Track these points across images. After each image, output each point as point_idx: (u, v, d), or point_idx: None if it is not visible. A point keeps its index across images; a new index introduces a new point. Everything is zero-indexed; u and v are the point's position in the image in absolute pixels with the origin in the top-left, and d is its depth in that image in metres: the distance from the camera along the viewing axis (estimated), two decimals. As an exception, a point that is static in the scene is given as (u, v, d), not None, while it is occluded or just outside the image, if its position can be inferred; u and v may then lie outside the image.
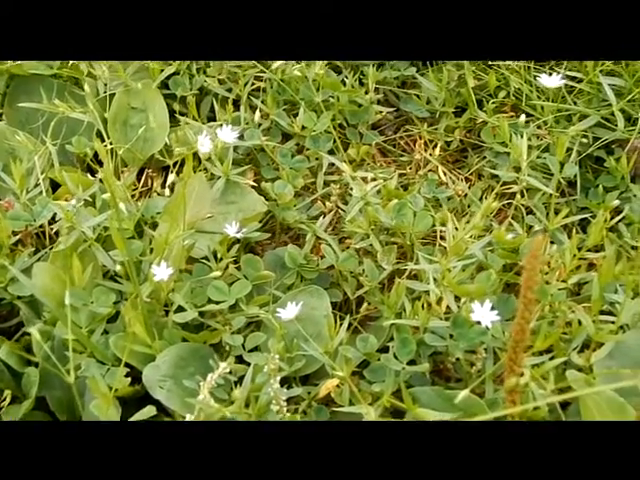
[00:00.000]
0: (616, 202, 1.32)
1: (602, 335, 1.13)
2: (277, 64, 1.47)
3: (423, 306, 1.19)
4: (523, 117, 1.42)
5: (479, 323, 1.04)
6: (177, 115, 1.50)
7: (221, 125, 1.33)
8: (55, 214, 1.30)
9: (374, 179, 1.34)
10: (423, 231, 1.30)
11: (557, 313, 1.18)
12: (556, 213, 1.40)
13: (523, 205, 1.38)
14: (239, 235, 1.25)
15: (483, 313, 1.03)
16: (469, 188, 1.44)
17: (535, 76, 1.35)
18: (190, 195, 1.25)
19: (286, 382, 1.18)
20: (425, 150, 1.50)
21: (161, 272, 1.15)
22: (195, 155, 1.32)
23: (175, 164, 1.41)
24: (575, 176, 1.41)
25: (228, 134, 1.28)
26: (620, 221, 1.33)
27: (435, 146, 1.50)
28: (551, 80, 1.22)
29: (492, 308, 1.05)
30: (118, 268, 1.25)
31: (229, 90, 1.54)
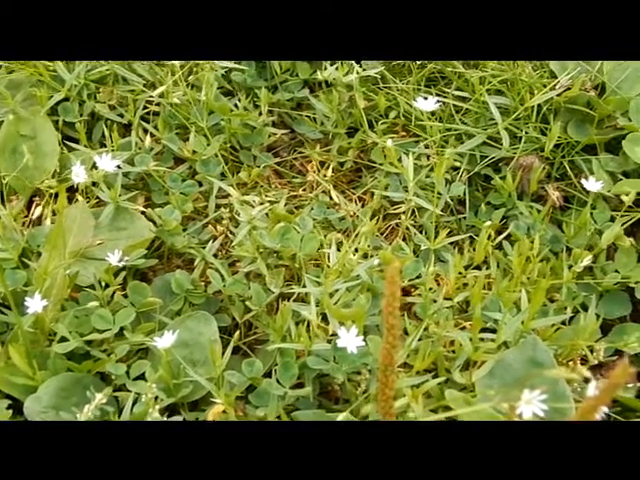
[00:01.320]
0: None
1: (480, 354, 1.15)
2: (160, 90, 1.46)
3: (308, 329, 1.19)
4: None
5: (345, 349, 1.04)
6: (67, 142, 1.49)
7: (107, 152, 1.32)
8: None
9: (262, 203, 1.34)
10: (311, 253, 1.30)
11: (442, 331, 1.19)
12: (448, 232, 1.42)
13: (413, 225, 1.39)
14: (122, 264, 1.24)
15: (349, 339, 1.04)
16: (362, 208, 1.45)
17: (414, 97, 1.36)
18: (72, 224, 1.24)
19: (174, 409, 1.18)
20: (318, 171, 1.51)
21: (35, 304, 1.14)
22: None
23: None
24: (464, 194, 1.43)
25: (108, 162, 1.27)
26: (505, 238, 1.35)
27: (328, 167, 1.51)
28: (427, 103, 1.24)
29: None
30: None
31: (121, 115, 1.53)
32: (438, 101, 1.22)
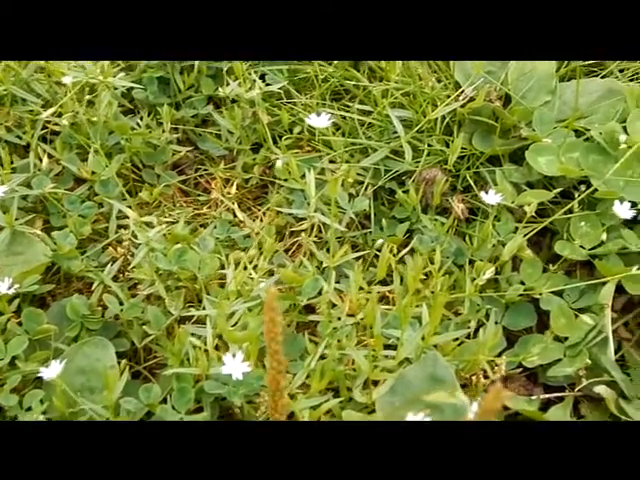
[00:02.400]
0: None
1: (377, 373, 1.14)
2: (53, 110, 1.43)
3: (207, 351, 1.17)
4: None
5: (230, 376, 1.02)
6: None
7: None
8: None
9: (160, 224, 1.32)
10: (211, 274, 1.28)
11: (335, 352, 1.18)
12: (353, 247, 1.41)
13: (319, 241, 1.38)
14: (11, 291, 1.21)
15: (234, 365, 1.02)
16: (267, 225, 1.43)
17: (318, 112, 1.34)
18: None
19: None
20: (223, 189, 1.48)
21: None
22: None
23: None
24: (369, 208, 1.42)
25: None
26: (408, 253, 1.34)
27: (232, 184, 1.49)
28: (320, 120, 1.22)
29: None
30: None
31: (19, 137, 1.49)
32: (343, 117, 1.20)
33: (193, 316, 1.26)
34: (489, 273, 1.28)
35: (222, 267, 1.30)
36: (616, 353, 1.32)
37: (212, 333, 1.16)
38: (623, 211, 1.27)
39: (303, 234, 1.35)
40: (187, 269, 1.26)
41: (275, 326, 0.86)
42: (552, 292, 1.33)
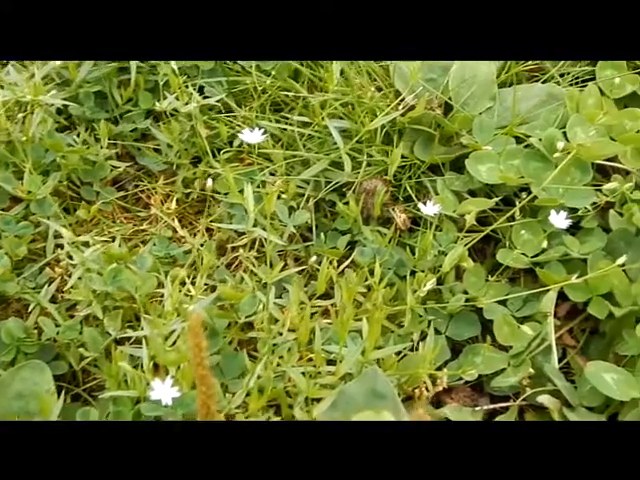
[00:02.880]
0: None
1: (315, 391, 1.12)
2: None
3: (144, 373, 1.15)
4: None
5: (159, 401, 1.00)
6: None
7: None
8: None
9: (94, 243, 1.30)
10: (149, 293, 1.26)
11: (270, 373, 1.16)
12: (296, 260, 1.40)
13: (262, 255, 1.36)
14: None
15: (164, 390, 1.00)
16: (208, 240, 1.41)
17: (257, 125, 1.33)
18: None
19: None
20: (163, 204, 1.46)
21: None
22: None
23: None
24: (311, 221, 1.40)
25: None
26: (349, 265, 1.33)
27: (172, 199, 1.46)
28: (252, 136, 1.21)
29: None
30: None
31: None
32: (283, 129, 1.18)
33: (131, 337, 1.24)
34: (430, 284, 1.27)
35: (162, 285, 1.28)
36: (561, 360, 1.32)
37: (148, 354, 1.14)
38: (559, 221, 1.27)
39: (241, 249, 1.33)
40: (124, 289, 1.24)
41: (201, 351, 0.85)
42: (496, 301, 1.32)
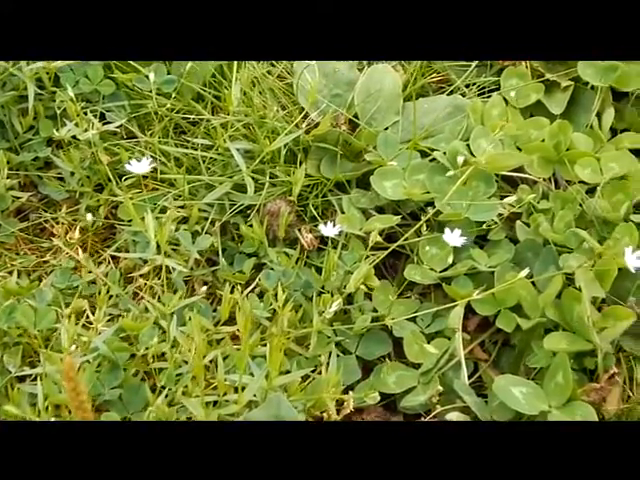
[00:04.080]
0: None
1: (222, 418, 1.10)
2: None
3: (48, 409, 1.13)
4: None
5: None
6: None
7: None
8: None
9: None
10: (49, 327, 1.23)
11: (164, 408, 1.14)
12: (206, 284, 1.38)
13: (167, 283, 1.34)
14: None
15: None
16: (114, 269, 1.39)
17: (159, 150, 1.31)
18: None
19: None
20: (65, 234, 1.43)
21: None
22: None
23: None
24: (217, 245, 1.38)
25: None
26: (253, 290, 1.31)
27: (75, 228, 1.43)
28: (139, 166, 1.19)
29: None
30: None
31: None
32: (185, 153, 1.16)
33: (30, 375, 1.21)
34: (336, 305, 1.25)
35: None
36: (474, 374, 1.31)
37: (42, 393, 1.11)
38: (453, 239, 1.26)
39: (141, 279, 1.31)
40: (20, 325, 1.21)
41: (78, 395, 0.83)
42: (407, 318, 1.31)
